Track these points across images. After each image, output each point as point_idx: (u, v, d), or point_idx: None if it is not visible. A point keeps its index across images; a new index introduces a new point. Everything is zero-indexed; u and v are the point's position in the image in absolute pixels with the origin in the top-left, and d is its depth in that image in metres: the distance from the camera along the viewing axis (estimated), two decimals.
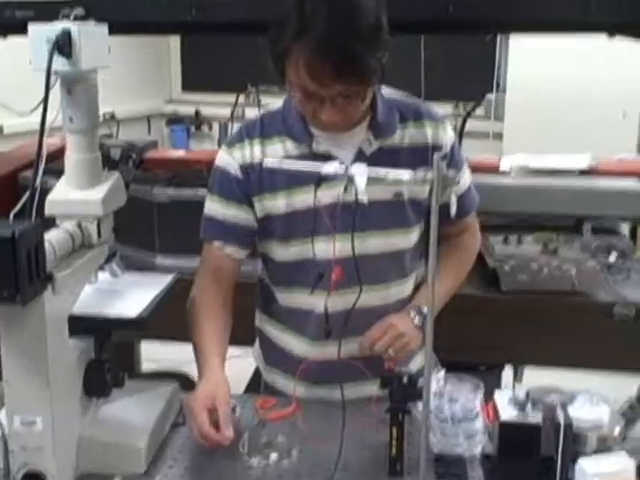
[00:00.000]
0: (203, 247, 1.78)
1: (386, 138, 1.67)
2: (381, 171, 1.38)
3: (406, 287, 1.80)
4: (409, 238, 1.74)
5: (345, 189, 1.57)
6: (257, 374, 1.99)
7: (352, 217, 1.50)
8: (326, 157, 1.61)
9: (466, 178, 1.81)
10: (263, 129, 1.70)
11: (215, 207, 1.73)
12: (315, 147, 1.65)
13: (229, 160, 1.70)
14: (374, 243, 1.69)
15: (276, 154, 1.67)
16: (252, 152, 1.68)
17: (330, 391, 1.70)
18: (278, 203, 1.68)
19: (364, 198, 1.40)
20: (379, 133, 1.66)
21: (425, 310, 1.68)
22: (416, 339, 1.69)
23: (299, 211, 1.67)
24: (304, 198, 1.64)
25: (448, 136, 1.73)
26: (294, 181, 1.64)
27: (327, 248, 1.61)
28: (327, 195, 1.62)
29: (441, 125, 1.72)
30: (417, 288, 1.83)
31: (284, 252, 1.72)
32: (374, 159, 1.61)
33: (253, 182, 1.68)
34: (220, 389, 1.54)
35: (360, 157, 1.64)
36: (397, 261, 1.75)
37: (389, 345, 1.66)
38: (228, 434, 1.46)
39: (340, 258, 1.55)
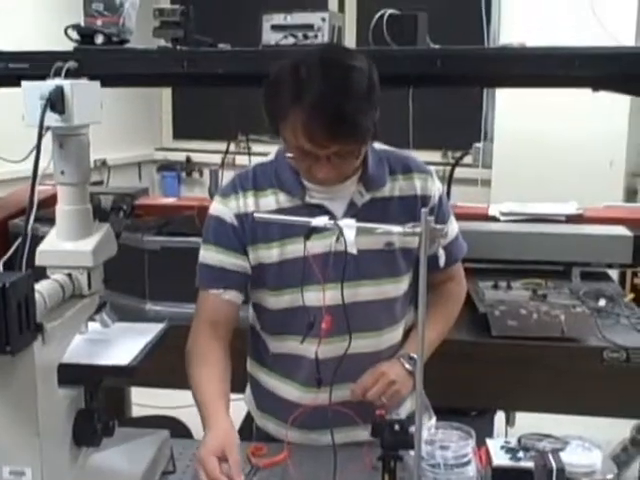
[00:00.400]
0: (199, 296, 1.79)
1: (377, 190, 1.71)
2: (370, 225, 1.41)
3: (397, 333, 1.81)
4: (399, 286, 1.76)
5: (337, 239, 1.60)
6: (248, 419, 1.98)
7: (343, 266, 1.53)
8: (319, 209, 1.65)
9: (453, 227, 1.84)
10: (256, 181, 1.72)
11: (211, 255, 1.74)
12: (308, 199, 1.68)
13: (224, 209, 1.72)
14: (365, 291, 1.71)
15: (269, 206, 1.69)
16: (246, 203, 1.71)
17: (321, 436, 1.70)
18: (271, 253, 1.69)
19: (353, 250, 1.43)
20: (370, 186, 1.70)
21: (415, 356, 1.69)
22: (407, 385, 1.71)
23: (290, 260, 1.68)
24: (296, 248, 1.66)
25: (436, 187, 1.77)
26: (287, 232, 1.66)
27: (318, 297, 1.62)
28: (319, 245, 1.65)
29: (429, 177, 1.76)
30: (406, 334, 1.84)
31: (276, 300, 1.73)
32: (365, 210, 1.66)
33: (247, 231, 1.70)
34: (228, 437, 1.54)
35: (352, 208, 1.68)
36: (388, 308, 1.77)
37: (381, 393, 1.67)
38: None
39: (332, 306, 1.58)
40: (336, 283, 1.58)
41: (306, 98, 1.48)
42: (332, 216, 1.63)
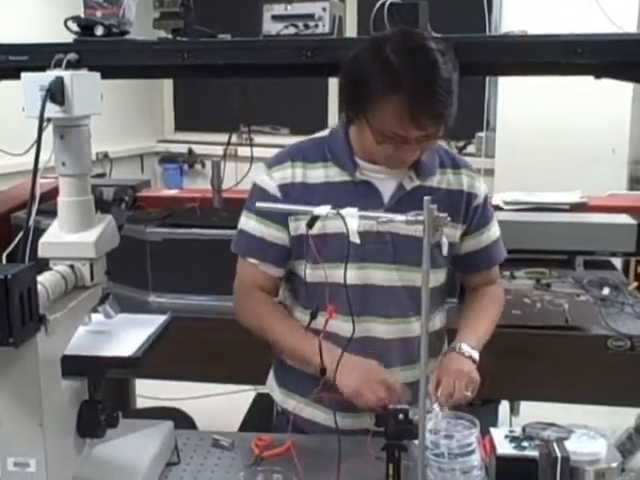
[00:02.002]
0: (238, 261, 1.83)
1: (426, 178, 1.75)
2: (372, 214, 1.42)
3: (430, 323, 1.77)
4: (433, 277, 1.72)
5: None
6: (252, 410, 1.99)
7: (383, 247, 1.64)
8: (367, 186, 1.71)
9: (495, 230, 1.87)
10: (307, 154, 1.76)
11: (252, 224, 1.77)
12: (358, 175, 1.71)
13: (267, 181, 1.76)
14: (396, 276, 1.72)
15: (317, 178, 1.73)
16: (293, 173, 1.74)
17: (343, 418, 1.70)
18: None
19: (356, 239, 1.43)
20: (421, 172, 1.74)
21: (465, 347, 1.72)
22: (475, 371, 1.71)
23: (330, 235, 1.69)
24: (338, 223, 1.66)
25: (483, 187, 1.82)
26: (332, 205, 1.66)
27: (349, 275, 1.63)
28: (362, 223, 1.65)
29: (476, 177, 1.82)
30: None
31: (310, 273, 1.73)
32: (413, 195, 1.70)
33: (291, 202, 1.70)
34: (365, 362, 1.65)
35: (400, 191, 1.72)
36: (417, 297, 1.74)
37: (464, 390, 1.65)
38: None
39: (358, 285, 1.68)
40: (371, 263, 1.67)
41: (405, 86, 1.52)
42: (379, 195, 1.71)
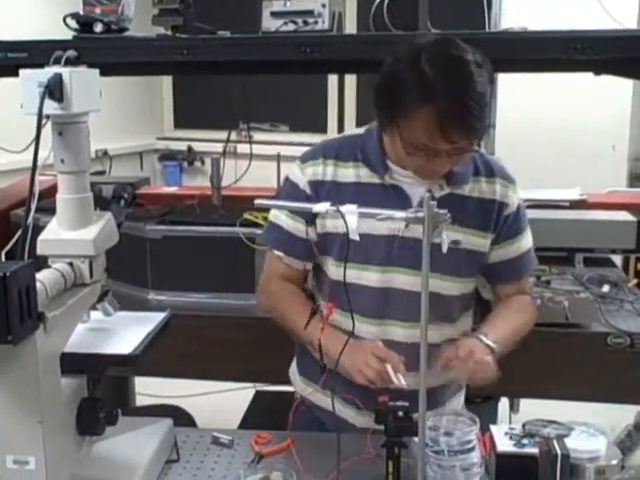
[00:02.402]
0: (267, 251, 1.86)
1: (457, 186, 1.72)
2: (373, 210, 1.42)
3: (446, 332, 1.78)
4: (454, 285, 1.75)
5: (407, 225, 1.65)
6: (251, 408, 1.99)
7: (407, 252, 1.63)
8: (396, 190, 1.70)
9: (527, 241, 1.84)
10: (340, 150, 1.76)
11: (283, 218, 1.78)
12: (387, 179, 1.70)
13: (299, 176, 1.76)
14: (414, 281, 1.70)
15: (348, 177, 1.73)
16: (325, 171, 1.74)
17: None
18: (338, 223, 1.67)
19: (356, 236, 1.42)
20: (451, 181, 1.71)
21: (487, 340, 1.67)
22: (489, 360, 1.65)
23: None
24: (365, 224, 1.66)
25: (516, 197, 1.78)
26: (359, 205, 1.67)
27: (371, 276, 1.69)
28: (386, 227, 1.67)
29: (511, 186, 1.78)
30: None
31: (336, 271, 1.74)
32: (442, 203, 1.59)
33: (320, 199, 1.67)
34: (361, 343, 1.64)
35: None
36: (440, 305, 1.74)
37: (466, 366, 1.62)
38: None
39: (378, 287, 1.70)
40: (394, 267, 1.67)
41: (437, 98, 1.50)
42: (408, 200, 1.69)
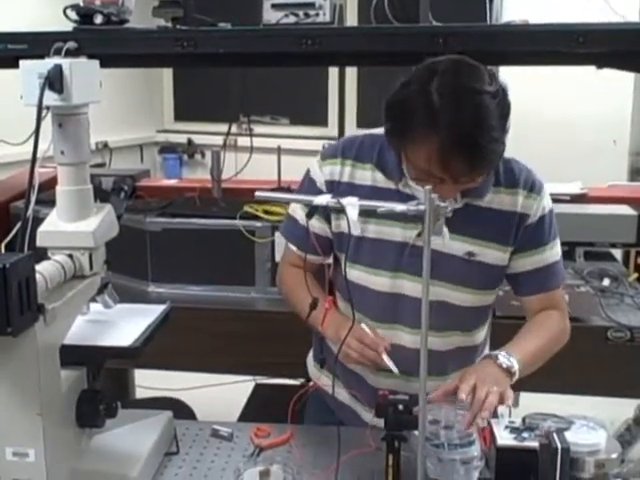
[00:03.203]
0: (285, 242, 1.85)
1: (474, 199, 1.66)
2: (373, 203, 1.40)
3: (463, 340, 1.78)
4: (470, 298, 1.72)
5: (419, 234, 1.62)
6: (251, 401, 1.98)
7: (417, 260, 1.52)
8: (410, 198, 1.61)
9: (553, 253, 1.74)
10: (360, 151, 1.72)
11: (300, 212, 1.77)
12: (401, 187, 1.66)
13: (318, 173, 1.74)
14: (430, 290, 1.68)
15: (365, 180, 1.70)
16: (342, 171, 1.71)
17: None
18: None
19: (357, 231, 1.42)
20: (467, 194, 1.64)
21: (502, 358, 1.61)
22: (502, 383, 1.57)
23: (368, 239, 1.68)
24: (378, 229, 1.67)
25: (540, 206, 1.70)
26: (371, 211, 1.63)
27: (382, 281, 1.69)
28: (399, 233, 1.66)
29: (535, 196, 1.70)
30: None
31: (348, 272, 1.71)
32: (456, 215, 1.56)
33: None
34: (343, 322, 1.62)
35: None
36: (451, 314, 1.73)
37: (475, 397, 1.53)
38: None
39: (388, 292, 1.69)
40: (405, 274, 1.66)
41: (441, 129, 1.43)
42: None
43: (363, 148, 1.72)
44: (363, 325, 1.60)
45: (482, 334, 1.84)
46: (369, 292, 1.71)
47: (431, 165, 1.48)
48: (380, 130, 1.69)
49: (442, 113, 1.43)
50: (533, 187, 1.70)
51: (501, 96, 1.50)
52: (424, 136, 1.46)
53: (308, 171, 1.78)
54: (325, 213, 1.73)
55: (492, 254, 1.68)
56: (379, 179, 1.68)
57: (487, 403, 1.48)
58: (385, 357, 1.55)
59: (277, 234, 2.51)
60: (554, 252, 1.75)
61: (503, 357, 1.60)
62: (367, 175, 1.70)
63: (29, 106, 1.31)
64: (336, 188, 1.69)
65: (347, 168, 1.71)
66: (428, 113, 1.44)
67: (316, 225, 1.74)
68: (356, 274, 1.71)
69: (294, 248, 1.80)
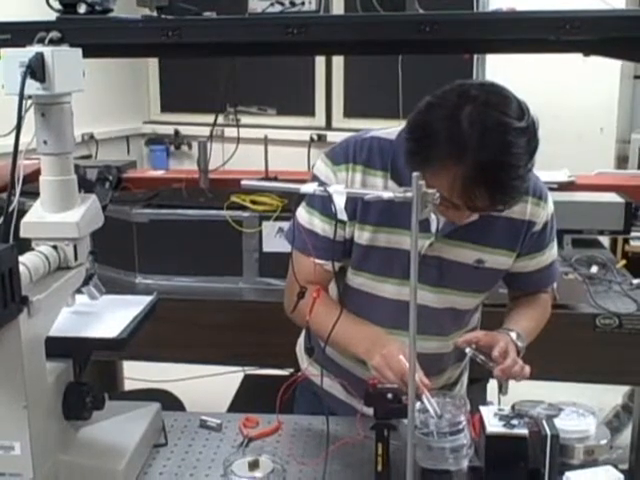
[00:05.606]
0: (294, 256, 1.67)
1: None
2: (359, 191, 1.40)
3: (462, 332, 1.78)
4: (475, 301, 1.76)
5: (430, 244, 1.61)
6: (240, 392, 1.97)
7: (427, 269, 1.58)
8: None
9: (552, 253, 1.78)
10: (370, 155, 1.64)
11: (317, 223, 1.67)
12: None
13: (332, 178, 1.65)
14: (438, 298, 1.69)
15: (376, 187, 1.63)
16: (353, 178, 1.64)
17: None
18: (363, 234, 1.66)
19: (344, 216, 1.39)
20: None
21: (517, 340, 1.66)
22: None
23: (378, 248, 1.66)
24: (388, 238, 1.64)
25: (545, 213, 1.71)
26: (383, 219, 1.63)
27: (388, 289, 1.67)
28: (410, 243, 1.62)
29: (542, 203, 1.69)
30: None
31: (353, 278, 1.71)
32: (466, 225, 1.59)
33: (348, 207, 1.53)
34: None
35: (451, 224, 1.61)
36: (456, 318, 1.76)
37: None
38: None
39: (397, 300, 1.66)
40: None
41: (466, 160, 1.40)
42: (427, 222, 1.59)
43: (373, 153, 1.65)
44: (401, 357, 1.50)
45: (476, 322, 1.87)
46: (374, 299, 1.70)
47: (452, 194, 1.45)
48: (386, 134, 1.67)
49: (469, 143, 1.39)
50: (541, 195, 1.70)
51: (532, 133, 1.47)
52: (448, 165, 1.42)
53: (317, 177, 1.67)
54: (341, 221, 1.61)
55: (500, 260, 1.69)
56: (390, 187, 1.61)
57: (525, 372, 1.58)
58: (426, 400, 1.47)
59: (264, 224, 2.50)
60: (553, 252, 1.79)
61: (515, 336, 1.65)
62: (379, 182, 1.64)
63: (10, 95, 1.29)
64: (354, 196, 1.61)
65: (358, 175, 1.64)
66: (455, 142, 1.41)
67: (340, 233, 1.66)
68: (361, 281, 1.70)
69: (321, 261, 1.65)
